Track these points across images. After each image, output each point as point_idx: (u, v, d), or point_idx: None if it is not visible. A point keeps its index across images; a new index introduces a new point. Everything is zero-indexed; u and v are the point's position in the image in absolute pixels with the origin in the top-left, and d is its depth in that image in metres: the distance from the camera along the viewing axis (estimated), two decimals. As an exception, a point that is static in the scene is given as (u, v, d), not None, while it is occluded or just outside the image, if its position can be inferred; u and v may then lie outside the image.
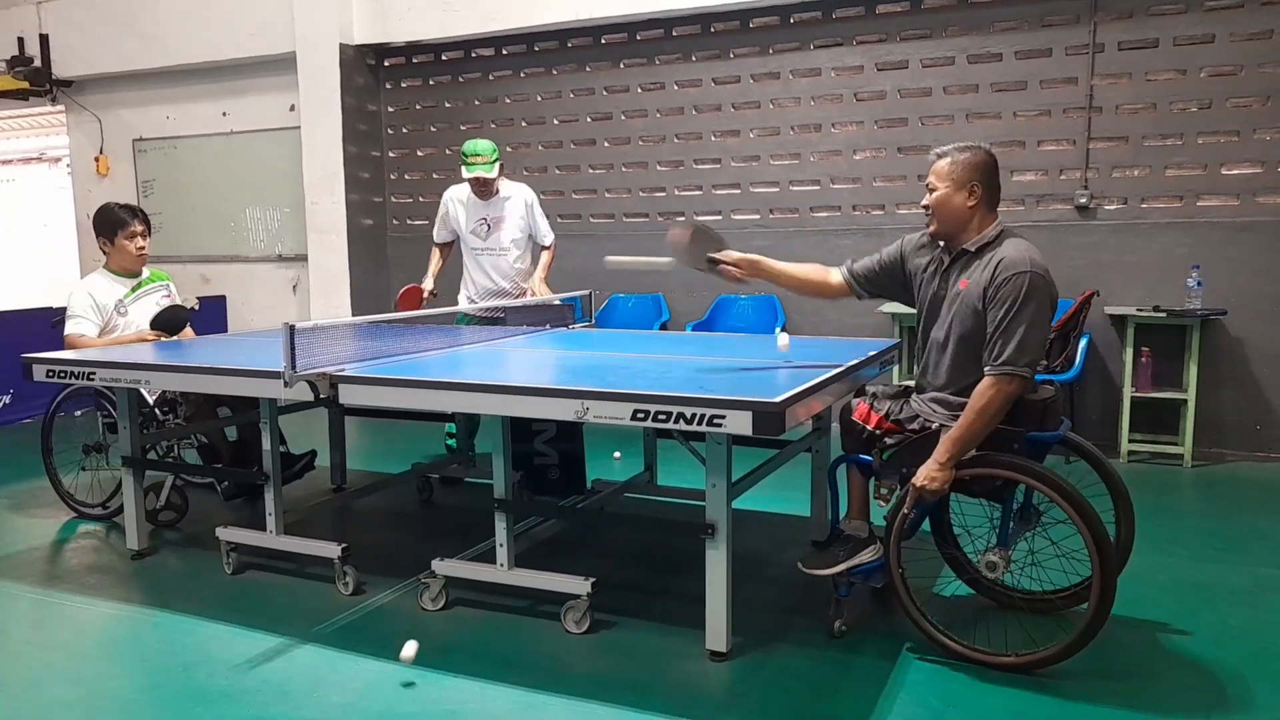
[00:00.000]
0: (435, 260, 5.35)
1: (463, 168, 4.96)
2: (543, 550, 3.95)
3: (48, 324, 4.99)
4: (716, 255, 3.27)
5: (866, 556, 3.05)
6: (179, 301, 4.88)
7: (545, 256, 5.23)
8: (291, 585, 3.69)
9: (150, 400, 4.38)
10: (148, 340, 4.50)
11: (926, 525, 3.30)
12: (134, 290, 4.62)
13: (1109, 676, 2.86)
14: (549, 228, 5.24)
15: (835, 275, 3.33)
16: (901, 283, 3.22)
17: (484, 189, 5.02)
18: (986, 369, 2.80)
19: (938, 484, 2.82)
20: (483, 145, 4.94)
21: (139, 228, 4.59)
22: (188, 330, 4.82)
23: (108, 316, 4.50)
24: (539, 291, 5.10)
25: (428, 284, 5.26)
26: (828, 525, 3.45)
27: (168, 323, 4.59)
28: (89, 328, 4.45)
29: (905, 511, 2.91)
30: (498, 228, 5.10)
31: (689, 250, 3.29)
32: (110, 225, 4.57)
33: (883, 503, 3.04)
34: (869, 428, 3.08)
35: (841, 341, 4.04)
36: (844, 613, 3.14)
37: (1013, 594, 3.23)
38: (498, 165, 4.97)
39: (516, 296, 5.18)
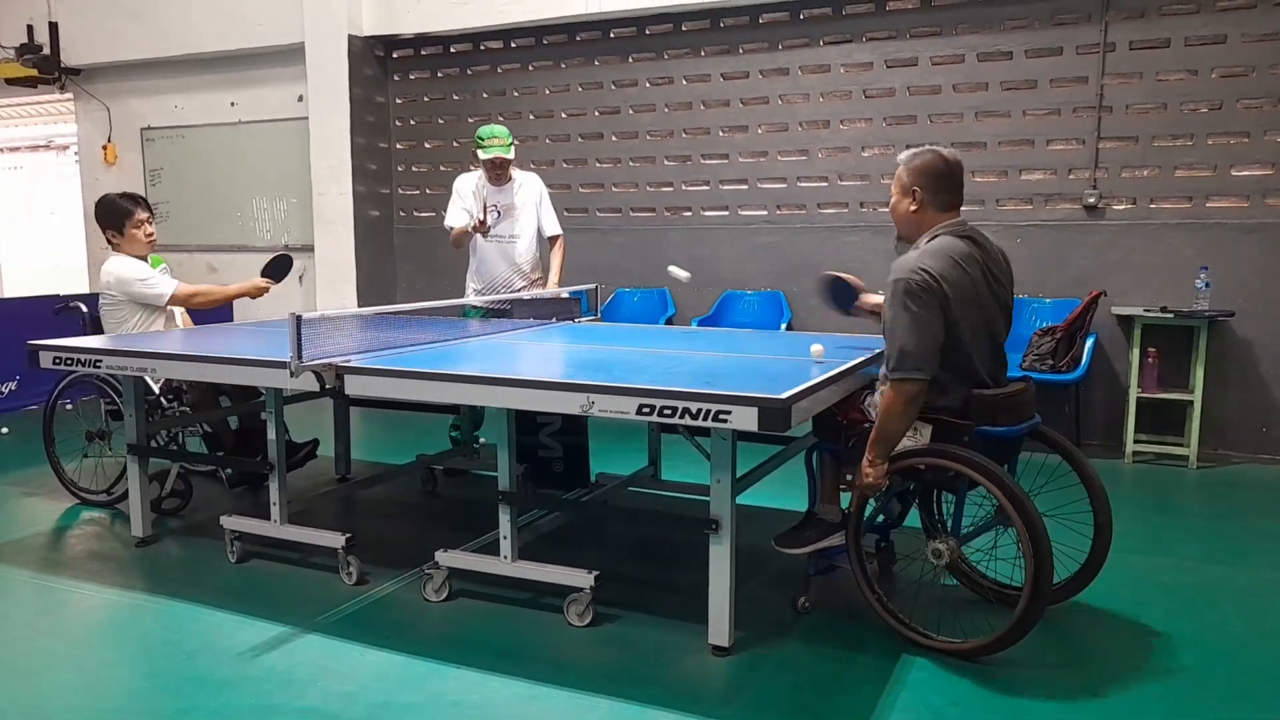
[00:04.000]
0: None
1: (479, 150, 4.95)
2: (546, 543, 3.97)
3: (52, 311, 5.01)
4: (864, 299, 3.45)
5: (834, 540, 3.18)
6: None
7: (557, 258, 5.20)
8: (295, 575, 3.70)
9: (155, 388, 4.39)
10: (260, 287, 4.69)
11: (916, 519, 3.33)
12: None
13: (1109, 676, 2.86)
14: (556, 221, 5.23)
15: None
16: None
17: (500, 171, 5.02)
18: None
19: (870, 479, 2.93)
20: (499, 129, 4.97)
21: (144, 214, 4.61)
22: (186, 319, 4.83)
23: None
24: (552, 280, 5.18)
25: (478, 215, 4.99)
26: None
27: (277, 269, 4.76)
28: (170, 283, 4.54)
29: (849, 510, 3.04)
30: (509, 215, 5.10)
31: (832, 289, 3.49)
32: (116, 216, 4.56)
33: (845, 489, 3.15)
34: (837, 415, 3.17)
35: (847, 339, 4.03)
36: (811, 590, 3.28)
37: (1005, 590, 3.23)
38: (513, 148, 4.99)
39: (525, 287, 5.17)
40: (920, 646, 2.97)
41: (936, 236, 2.99)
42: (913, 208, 3.03)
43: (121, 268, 4.51)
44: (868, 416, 3.11)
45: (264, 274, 4.73)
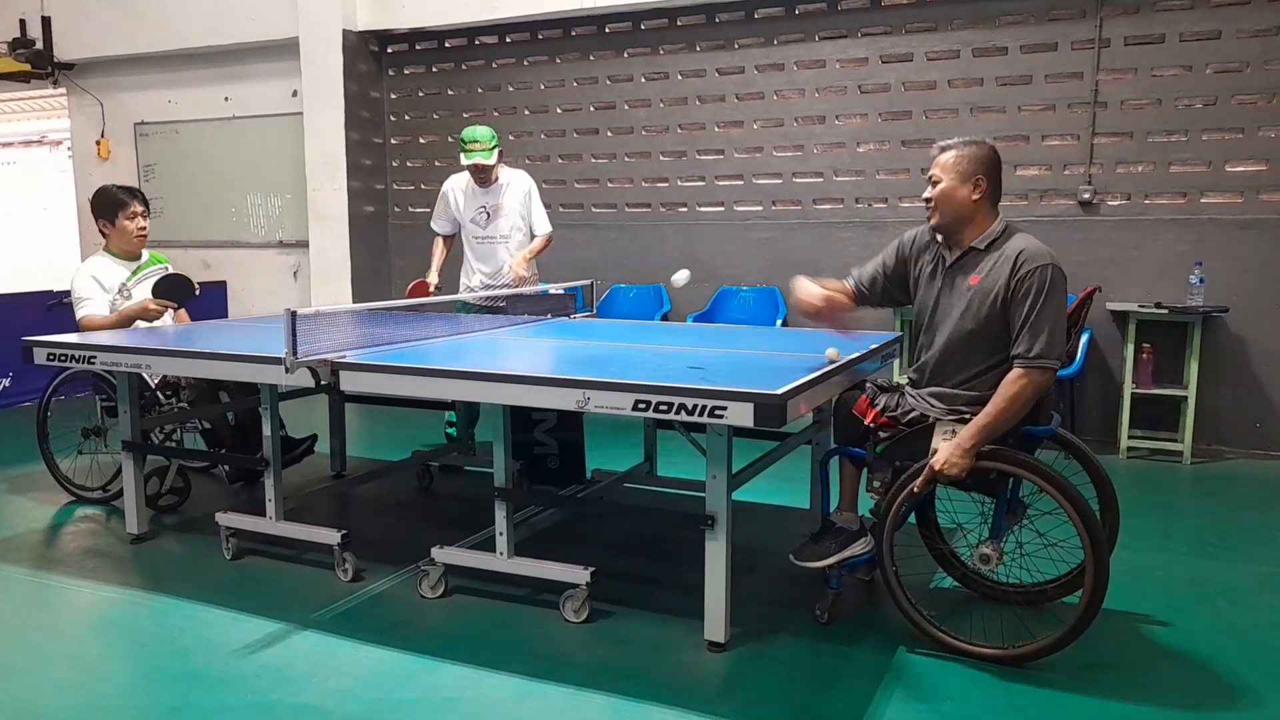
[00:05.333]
0: (439, 252, 5.34)
1: (461, 155, 4.95)
2: (542, 539, 3.97)
3: (46, 307, 4.99)
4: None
5: (858, 549, 3.10)
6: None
7: (538, 241, 5.17)
8: (291, 571, 3.69)
9: (152, 384, 4.38)
10: (152, 311, 4.41)
11: (911, 519, 3.32)
12: (135, 273, 4.60)
13: (1103, 670, 2.87)
14: (546, 219, 5.20)
15: (847, 285, 3.33)
16: (903, 285, 3.22)
17: (483, 176, 5.01)
18: (1017, 362, 2.81)
19: (957, 470, 2.81)
20: (481, 132, 4.93)
21: (139, 208, 4.57)
22: (182, 314, 4.80)
23: (113, 298, 4.48)
24: (516, 269, 5.02)
25: (432, 278, 5.23)
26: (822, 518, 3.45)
27: (169, 289, 4.48)
28: (99, 307, 4.43)
29: (915, 490, 2.89)
30: (497, 215, 5.09)
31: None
32: (110, 206, 4.54)
33: (874, 496, 3.06)
34: (866, 421, 3.09)
35: (851, 336, 4.02)
36: (833, 603, 3.18)
37: (1003, 588, 3.23)
38: (496, 152, 4.96)
39: (518, 284, 5.16)
40: (971, 656, 2.90)
41: (1008, 228, 2.97)
42: (975, 196, 2.93)
43: (77, 277, 4.48)
44: (896, 421, 3.04)
45: (156, 294, 4.45)
